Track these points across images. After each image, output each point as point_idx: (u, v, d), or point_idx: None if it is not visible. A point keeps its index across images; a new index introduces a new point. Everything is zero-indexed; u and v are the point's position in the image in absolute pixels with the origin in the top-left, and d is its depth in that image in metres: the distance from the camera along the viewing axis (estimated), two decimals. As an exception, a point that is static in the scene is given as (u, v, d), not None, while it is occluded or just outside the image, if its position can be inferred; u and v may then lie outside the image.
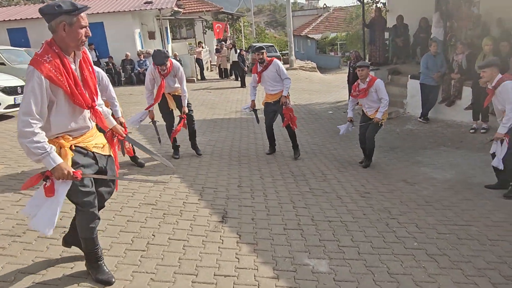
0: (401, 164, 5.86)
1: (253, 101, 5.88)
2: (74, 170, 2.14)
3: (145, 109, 5.30)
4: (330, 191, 4.64)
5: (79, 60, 2.19)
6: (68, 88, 2.08)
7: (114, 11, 14.72)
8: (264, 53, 5.56)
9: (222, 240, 3.29)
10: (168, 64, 5.07)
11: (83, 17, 2.10)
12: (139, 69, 14.66)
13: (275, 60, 5.63)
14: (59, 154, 2.12)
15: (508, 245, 3.32)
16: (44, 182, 2.13)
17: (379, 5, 10.89)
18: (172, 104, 5.44)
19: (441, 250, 3.26)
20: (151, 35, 16.80)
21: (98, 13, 14.32)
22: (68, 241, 2.73)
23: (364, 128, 5.53)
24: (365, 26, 9.99)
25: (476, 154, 6.00)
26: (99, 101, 2.37)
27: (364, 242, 3.37)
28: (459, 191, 4.72)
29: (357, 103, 5.81)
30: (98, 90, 2.30)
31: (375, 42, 9.72)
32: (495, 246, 3.35)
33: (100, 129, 2.50)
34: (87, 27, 2.13)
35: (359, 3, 11.54)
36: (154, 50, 5.21)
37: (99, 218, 2.44)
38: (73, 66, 2.14)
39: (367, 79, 5.27)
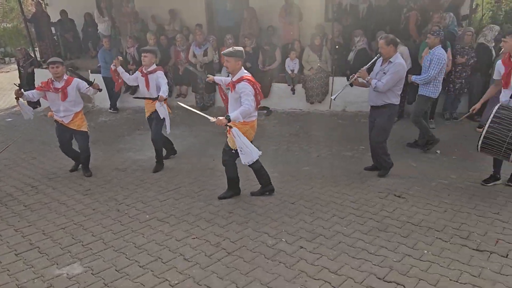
0: (108, 154, 6.22)
1: None
2: None
3: None
4: (49, 200, 4.45)
5: None
6: None
7: None
8: None
9: None
10: None
11: None
12: None
13: None
14: None
15: (216, 190, 4.47)
16: None
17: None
18: None
19: (167, 213, 4.03)
20: None
21: None
22: None
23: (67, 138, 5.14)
24: (27, 21, 9.19)
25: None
26: None
27: (105, 232, 3.65)
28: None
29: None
30: None
31: (44, 38, 9.20)
32: (200, 196, 4.45)
33: None
34: None
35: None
36: None
37: None
38: None
39: (64, 78, 4.78)
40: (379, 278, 2.84)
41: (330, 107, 7.42)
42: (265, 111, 7.66)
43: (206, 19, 8.95)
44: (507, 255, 3.10)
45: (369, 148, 5.00)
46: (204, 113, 4.05)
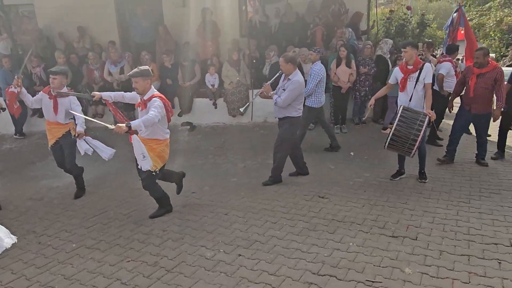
0: (18, 183, 5.70)
1: None
2: None
3: None
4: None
5: None
6: None
7: None
8: None
9: None
10: None
11: None
12: None
13: None
14: None
15: (147, 210, 4.37)
16: None
17: None
18: None
19: (96, 239, 3.83)
20: None
21: None
22: None
23: None
24: None
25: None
26: None
27: (27, 267, 3.34)
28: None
29: None
30: None
31: None
32: (130, 217, 4.31)
33: None
34: None
35: None
36: None
37: None
38: None
39: None
40: (314, 273, 3.05)
41: (252, 119, 7.68)
42: (189, 127, 7.67)
43: (118, 36, 8.69)
44: (417, 237, 3.56)
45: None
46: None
